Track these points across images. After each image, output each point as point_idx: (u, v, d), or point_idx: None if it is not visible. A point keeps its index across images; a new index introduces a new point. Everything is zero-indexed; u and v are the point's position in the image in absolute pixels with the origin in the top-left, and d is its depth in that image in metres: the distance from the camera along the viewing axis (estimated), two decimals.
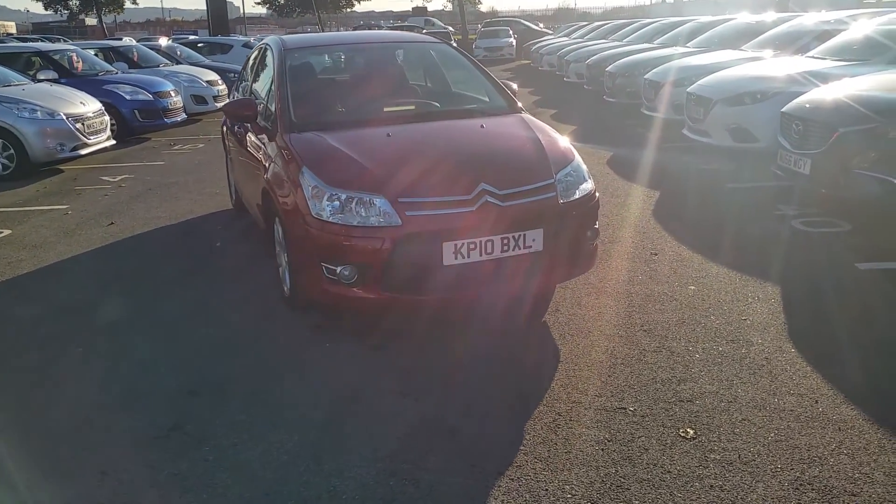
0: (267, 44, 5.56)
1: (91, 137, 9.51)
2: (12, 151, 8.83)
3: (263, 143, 4.62)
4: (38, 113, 8.92)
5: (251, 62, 6.08)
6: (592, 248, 4.16)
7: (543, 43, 25.11)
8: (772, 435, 2.90)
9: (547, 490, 2.62)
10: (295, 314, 4.26)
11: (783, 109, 6.25)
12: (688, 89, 8.67)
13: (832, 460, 2.73)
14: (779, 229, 5.62)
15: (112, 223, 6.67)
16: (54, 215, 7.07)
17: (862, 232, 5.41)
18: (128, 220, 6.80)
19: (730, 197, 6.67)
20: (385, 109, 4.83)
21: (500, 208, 3.71)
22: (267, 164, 4.44)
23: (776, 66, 8.36)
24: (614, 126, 11.34)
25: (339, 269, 3.68)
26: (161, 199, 7.68)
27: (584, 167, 4.22)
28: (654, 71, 10.79)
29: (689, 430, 2.96)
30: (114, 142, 10.25)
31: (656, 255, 5.13)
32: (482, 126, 4.45)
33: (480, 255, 3.67)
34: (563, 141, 4.37)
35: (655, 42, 14.94)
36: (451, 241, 3.60)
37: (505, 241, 3.70)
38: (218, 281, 5.00)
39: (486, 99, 5.10)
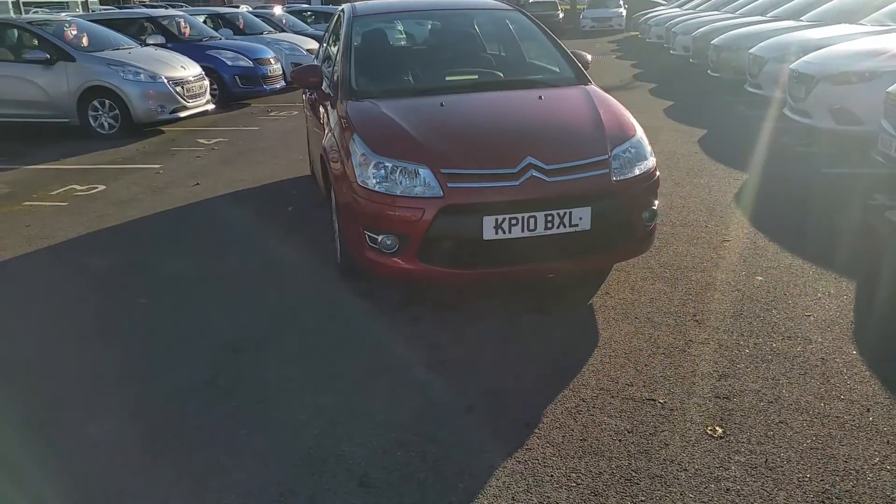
0: (342, 9, 5.59)
1: (190, 101, 9.94)
2: (117, 112, 9.35)
3: (327, 110, 4.67)
4: (142, 76, 9.39)
5: (329, 29, 6.14)
6: (649, 229, 3.98)
7: (652, 13, 24.07)
8: (808, 441, 2.70)
9: (552, 476, 2.55)
10: (344, 281, 4.31)
11: (888, 89, 5.73)
12: (790, 66, 8.09)
13: (870, 475, 2.51)
14: (870, 220, 5.18)
15: (197, 184, 6.96)
16: (147, 174, 7.46)
17: None
18: (212, 181, 7.08)
19: (824, 183, 6.21)
20: (447, 78, 4.77)
21: (546, 184, 3.60)
22: (327, 131, 4.48)
23: (892, 42, 7.65)
24: (714, 103, 10.78)
25: (380, 238, 3.69)
26: (248, 162, 7.95)
27: (647, 144, 4.02)
28: (759, 45, 10.13)
29: (718, 428, 2.79)
30: (213, 106, 10.68)
31: (728, 241, 4.85)
32: (540, 98, 4.31)
33: (522, 231, 3.57)
34: (626, 115, 4.16)
35: (769, 15, 14.01)
36: (492, 216, 3.52)
37: (549, 218, 3.58)
38: (281, 245, 5.13)
39: (555, 69, 4.94)
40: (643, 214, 3.89)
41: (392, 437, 2.79)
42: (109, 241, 5.33)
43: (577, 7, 41.51)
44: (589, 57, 5.21)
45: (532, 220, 3.57)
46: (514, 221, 3.55)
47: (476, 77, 4.83)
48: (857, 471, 2.53)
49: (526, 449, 2.71)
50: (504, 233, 3.56)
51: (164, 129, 10.13)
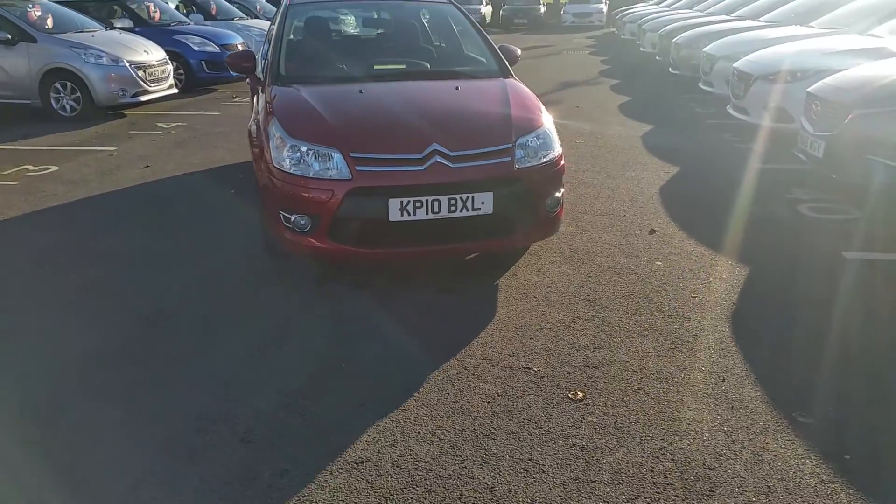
0: None
1: (153, 85, 10.07)
2: (79, 94, 9.46)
3: (257, 96, 4.87)
4: (104, 59, 9.51)
5: (274, 17, 6.32)
6: (552, 216, 4.21)
7: (628, 10, 24.33)
8: (660, 406, 2.95)
9: (419, 433, 2.78)
10: (268, 259, 4.51)
11: (808, 89, 6.01)
12: (734, 64, 8.37)
13: (707, 436, 2.76)
14: (782, 213, 5.47)
15: (147, 166, 7.13)
16: (101, 156, 7.61)
17: (868, 221, 5.19)
18: (163, 164, 7.24)
19: (750, 178, 6.47)
20: (375, 67, 4.98)
21: (450, 169, 3.82)
22: (253, 115, 4.68)
23: (827, 44, 7.95)
24: (669, 100, 11.05)
25: (293, 218, 3.89)
26: (201, 146, 8.11)
27: (553, 135, 4.25)
28: (713, 44, 10.41)
29: (579, 392, 3.04)
30: (175, 90, 10.81)
31: (640, 230, 5.11)
32: (457, 88, 4.54)
33: (427, 213, 3.79)
34: (536, 107, 4.39)
35: (733, 14, 14.30)
36: (397, 198, 3.74)
37: (452, 202, 3.80)
38: (216, 225, 5.32)
39: (481, 62, 5.17)
40: (546, 201, 4.12)
41: (279, 400, 3.02)
42: (52, 220, 5.50)
43: (561, 1, 41.72)
44: (518, 52, 5.45)
45: (436, 204, 3.79)
46: (418, 204, 3.77)
47: (403, 67, 5.04)
48: (696, 431, 2.79)
49: (402, 409, 2.94)
50: (409, 215, 3.78)
51: (126, 112, 10.24)
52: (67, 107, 9.56)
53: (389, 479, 2.53)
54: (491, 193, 3.85)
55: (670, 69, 12.96)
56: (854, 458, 2.61)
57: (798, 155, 6.08)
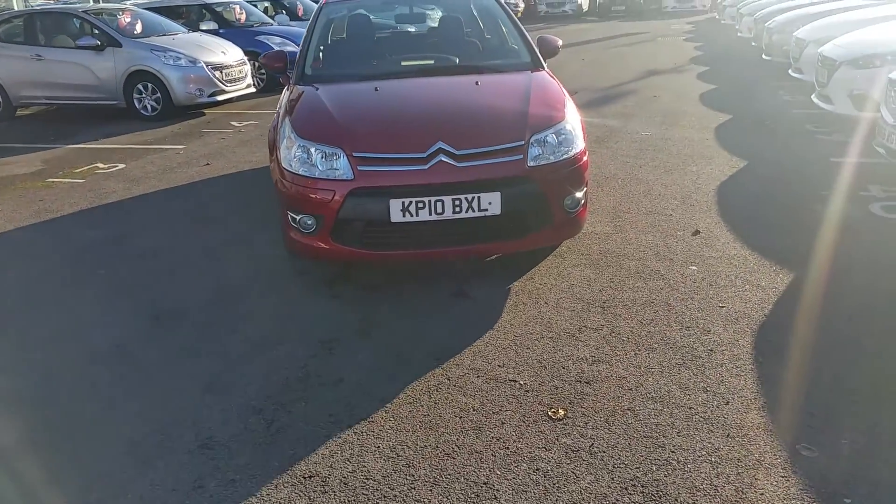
0: None
1: (229, 85, 10.38)
2: (159, 95, 9.88)
3: (285, 95, 4.86)
4: (182, 60, 9.88)
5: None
6: (572, 216, 3.97)
7: None
8: (645, 430, 2.69)
9: (378, 448, 2.66)
10: (290, 259, 4.48)
11: (890, 75, 5.42)
12: (819, 49, 7.70)
13: (689, 467, 2.49)
14: (850, 212, 4.95)
15: (207, 164, 7.33)
16: (168, 154, 7.89)
17: None
18: (223, 162, 7.43)
19: (823, 173, 5.92)
20: (403, 63, 4.87)
21: (455, 168, 3.66)
22: (277, 115, 4.67)
23: None
24: (756, 88, 10.34)
25: (299, 218, 3.85)
26: (263, 144, 8.18)
27: (576, 131, 4.00)
28: (804, 28, 9.64)
29: (561, 410, 2.83)
30: (253, 90, 11.11)
31: (683, 231, 4.75)
32: (477, 83, 4.36)
33: (430, 214, 3.65)
34: (558, 102, 4.14)
35: None
36: (398, 199, 3.62)
37: (457, 203, 3.64)
38: (252, 223, 5.36)
39: (513, 55, 4.95)
40: (563, 201, 3.89)
41: (252, 406, 2.97)
42: (102, 216, 5.73)
43: None
44: (559, 43, 5.17)
45: (439, 204, 3.64)
46: (420, 205, 3.63)
47: (432, 62, 4.90)
48: (678, 461, 2.52)
49: (369, 422, 2.82)
50: (411, 216, 3.65)
51: (206, 111, 10.61)
52: (149, 107, 9.99)
53: (332, 496, 2.42)
54: (499, 193, 3.66)
55: (763, 55, 12.14)
56: (855, 502, 2.27)
57: (877, 149, 5.50)
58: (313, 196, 3.77)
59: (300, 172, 3.82)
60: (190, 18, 12.86)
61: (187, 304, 3.97)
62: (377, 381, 3.10)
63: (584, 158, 4.01)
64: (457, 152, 3.68)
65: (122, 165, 7.41)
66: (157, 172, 7.06)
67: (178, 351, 3.46)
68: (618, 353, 3.25)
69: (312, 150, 3.82)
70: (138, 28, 10.65)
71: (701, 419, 2.74)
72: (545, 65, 4.78)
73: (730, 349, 3.23)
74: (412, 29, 5.51)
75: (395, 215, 3.64)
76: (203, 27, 12.19)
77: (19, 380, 3.26)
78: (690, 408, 2.81)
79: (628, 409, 2.82)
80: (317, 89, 4.36)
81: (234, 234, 5.12)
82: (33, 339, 3.65)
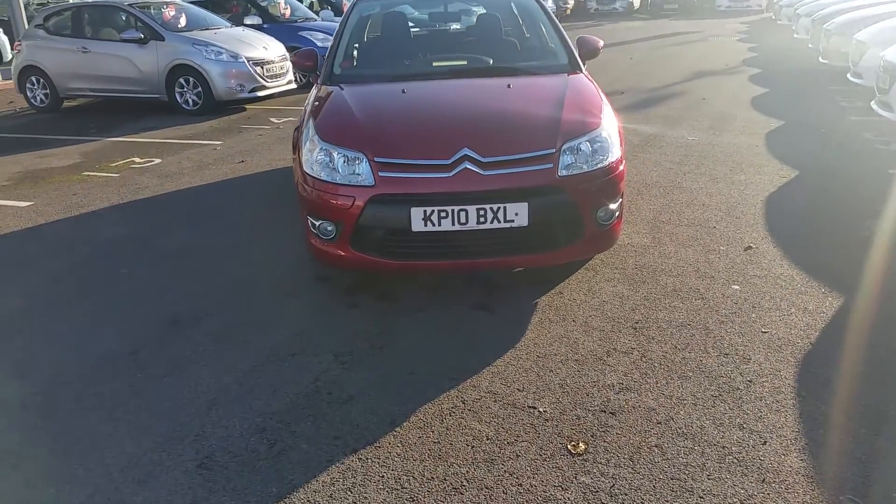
0: None
1: (270, 81, 10.35)
2: (200, 89, 9.89)
3: (312, 94, 4.73)
4: (224, 55, 9.88)
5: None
6: (605, 229, 3.75)
7: None
8: (673, 470, 2.47)
9: (382, 477, 2.50)
10: (312, 264, 4.35)
11: None
12: (881, 53, 7.27)
13: None
14: None
15: (242, 161, 7.27)
16: (205, 150, 7.87)
17: None
18: (258, 159, 7.36)
19: (882, 185, 5.55)
20: (434, 64, 4.70)
21: (481, 176, 3.48)
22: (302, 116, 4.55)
23: None
24: (811, 93, 9.89)
25: (318, 224, 3.72)
26: None
27: (612, 138, 3.78)
28: (865, 30, 9.16)
29: (581, 444, 2.62)
30: (295, 85, 11.05)
31: (727, 245, 4.48)
32: (509, 86, 4.16)
33: (453, 224, 3.47)
34: (594, 108, 3.91)
35: None
36: (420, 207, 3.45)
37: (481, 213, 3.46)
38: (279, 224, 5.25)
39: (550, 57, 4.73)
40: (596, 213, 3.67)
41: (256, 423, 2.83)
42: (132, 213, 5.69)
43: None
44: (600, 44, 4.95)
45: (463, 214, 3.46)
46: (443, 214, 3.46)
47: (465, 63, 4.72)
48: None
49: (376, 447, 2.66)
50: (433, 225, 3.48)
51: (247, 106, 10.60)
52: (190, 101, 10.02)
53: None
54: (526, 204, 3.46)
55: (820, 58, 11.62)
56: None
57: None
58: (333, 202, 3.62)
59: (321, 177, 3.68)
60: (235, 13, 12.88)
61: (205, 309, 3.87)
62: (388, 402, 2.94)
63: (621, 168, 3.78)
64: (483, 160, 3.49)
65: (158, 160, 7.40)
66: (191, 168, 7.03)
67: (191, 360, 3.35)
68: (648, 380, 3.02)
69: (335, 153, 3.68)
70: (182, 22, 10.68)
71: (734, 460, 2.51)
72: (583, 67, 4.55)
73: (770, 381, 2.98)
74: (448, 27, 5.32)
75: (417, 224, 3.47)
76: (247, 21, 12.19)
77: (26, 384, 3.19)
78: (724, 447, 2.58)
79: (655, 446, 2.60)
80: (342, 90, 4.21)
81: (260, 235, 5.02)
82: (44, 342, 3.59)
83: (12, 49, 12.40)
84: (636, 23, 26.60)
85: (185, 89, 9.98)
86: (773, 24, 21.93)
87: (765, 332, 3.38)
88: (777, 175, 5.97)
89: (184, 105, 10.04)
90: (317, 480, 2.49)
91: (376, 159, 3.55)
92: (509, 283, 4.02)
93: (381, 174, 3.53)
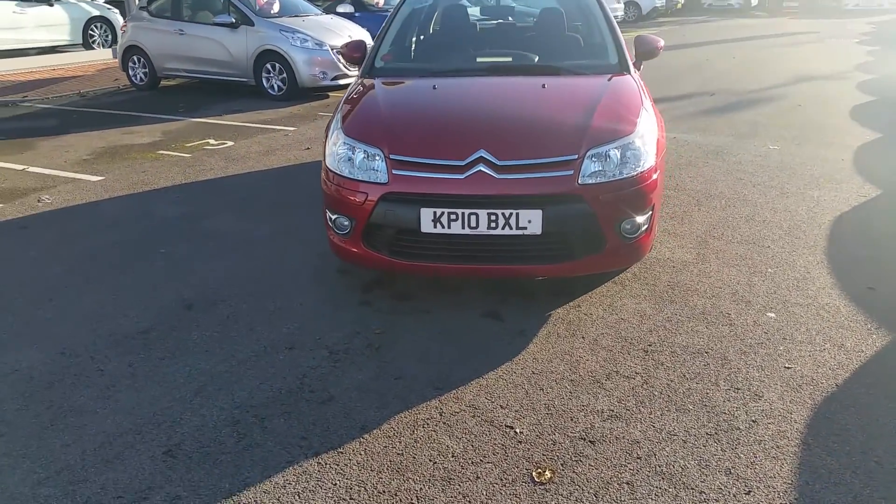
0: None
1: (353, 69, 10.45)
2: (285, 75, 10.13)
3: (351, 87, 4.72)
4: (309, 43, 10.07)
5: None
6: (630, 243, 3.54)
7: None
8: None
9: (335, 485, 2.45)
10: (335, 258, 4.34)
11: None
12: None
13: None
14: None
15: (308, 148, 7.39)
16: (277, 135, 8.05)
17: None
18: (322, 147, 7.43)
19: None
20: (478, 60, 4.57)
21: (494, 180, 3.36)
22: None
23: None
24: None
25: (335, 218, 3.70)
26: None
27: (647, 146, 3.56)
28: None
29: (548, 472, 2.48)
30: None
31: (775, 268, 4.15)
32: (543, 86, 3.99)
33: (463, 227, 3.37)
34: (631, 113, 3.69)
35: None
36: (430, 208, 3.37)
37: (492, 218, 3.34)
38: (320, 215, 5.26)
39: (599, 56, 4.52)
40: (621, 225, 3.47)
41: (233, 415, 2.84)
42: (190, 194, 5.88)
43: None
44: (660, 43, 4.69)
45: (473, 218, 3.36)
46: (453, 216, 3.37)
47: (510, 59, 4.57)
48: None
49: (339, 452, 2.62)
50: (443, 227, 3.39)
51: (331, 93, 10.77)
52: (275, 86, 10.28)
53: None
54: (540, 211, 3.31)
55: None
56: None
57: None
58: (349, 197, 3.60)
59: (339, 171, 3.66)
60: (330, 0, 13.13)
61: (224, 294, 3.94)
62: (366, 406, 2.89)
63: (653, 178, 3.56)
64: (498, 163, 3.37)
65: (230, 143, 7.63)
66: (258, 153, 7.20)
67: (194, 344, 3.41)
68: (642, 409, 2.83)
69: (356, 148, 3.64)
70: (275, 8, 10.96)
71: None
72: (633, 68, 4.31)
73: (777, 423, 2.72)
74: (509, 21, 5.15)
75: (426, 225, 3.39)
76: (339, 10, 12.40)
77: (35, 354, 3.34)
78: (701, 492, 2.38)
79: (626, 483, 2.42)
80: (375, 85, 4.17)
81: (301, 222, 5.07)
82: (65, 314, 3.74)
83: (120, 29, 13.11)
84: (750, 20, 25.29)
85: (272, 74, 10.24)
86: None
87: (788, 368, 3.10)
88: (856, 193, 5.49)
89: (269, 90, 10.31)
90: (270, 481, 2.47)
91: (391, 156, 3.49)
92: (528, 291, 3.87)
93: (394, 172, 3.46)
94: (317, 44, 10.10)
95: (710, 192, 5.59)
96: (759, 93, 10.08)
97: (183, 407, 2.91)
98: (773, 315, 3.59)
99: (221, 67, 10.57)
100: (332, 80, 10.24)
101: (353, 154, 3.63)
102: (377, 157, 3.54)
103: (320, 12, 11.59)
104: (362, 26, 11.40)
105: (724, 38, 18.20)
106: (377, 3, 13.47)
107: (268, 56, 10.16)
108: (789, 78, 11.36)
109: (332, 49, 10.14)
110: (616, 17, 23.17)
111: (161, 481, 2.48)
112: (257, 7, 10.67)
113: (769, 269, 4.13)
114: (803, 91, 10.18)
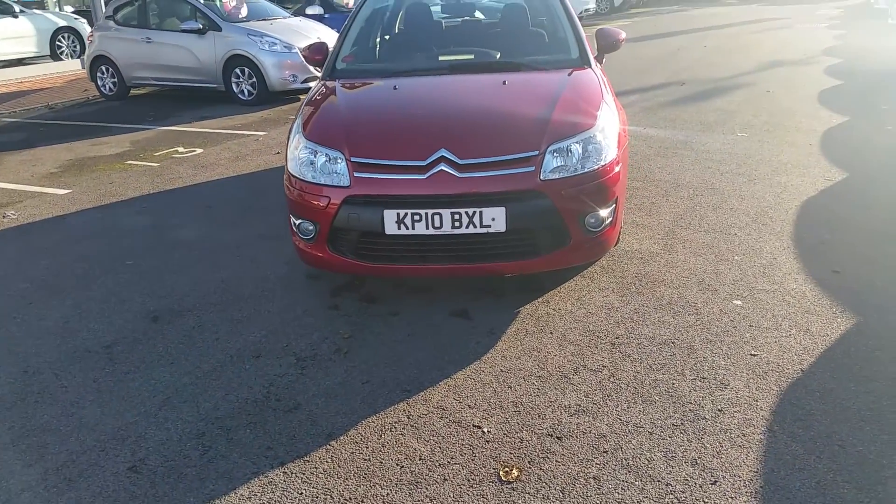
0: None
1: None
2: (255, 80, 10.06)
3: (312, 90, 4.69)
4: (277, 46, 10.00)
5: None
6: (595, 237, 3.55)
7: None
8: None
9: (300, 494, 2.43)
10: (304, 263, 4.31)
11: None
12: None
13: None
14: None
15: (279, 153, 7.33)
16: (247, 141, 7.99)
17: None
18: None
19: None
20: (440, 58, 4.55)
21: (456, 179, 3.35)
22: None
23: None
24: (891, 86, 9.16)
25: (299, 223, 3.68)
26: None
27: (607, 139, 3.56)
28: None
29: (516, 470, 2.47)
30: None
31: (742, 255, 4.18)
32: (504, 83, 3.98)
33: (427, 227, 3.36)
34: (591, 107, 3.69)
35: None
36: (393, 210, 3.35)
37: (456, 217, 3.33)
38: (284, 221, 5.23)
39: (561, 51, 4.51)
40: (585, 219, 3.47)
41: (198, 428, 2.81)
42: (157, 204, 5.82)
43: None
44: (622, 36, 4.69)
45: (437, 218, 3.34)
46: (417, 217, 3.35)
47: (472, 57, 4.55)
48: None
49: (305, 460, 2.60)
50: (407, 228, 3.37)
51: (302, 96, 10.70)
52: (246, 91, 10.21)
53: None
54: (503, 209, 3.31)
55: None
56: None
57: None
58: (312, 202, 3.57)
59: (301, 175, 3.64)
60: (298, 2, 13.04)
61: (191, 304, 3.90)
62: (333, 412, 2.87)
63: (615, 171, 3.56)
64: (459, 161, 3.36)
65: (199, 150, 7.56)
66: (228, 159, 7.14)
67: (159, 357, 3.37)
68: (608, 403, 2.83)
69: (317, 151, 3.61)
70: (243, 12, 10.89)
71: (675, 500, 2.31)
72: (593, 62, 4.32)
73: (743, 411, 2.74)
74: (459, 20, 5.14)
75: (390, 227, 3.37)
76: (309, 12, 12.33)
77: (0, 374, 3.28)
78: (668, 484, 2.38)
79: (593, 478, 2.42)
80: (335, 87, 4.14)
81: (269, 228, 5.03)
82: (29, 331, 3.69)
83: (87, 39, 12.95)
84: (723, 8, 25.45)
85: (241, 79, 10.16)
86: (871, 8, 20.48)
87: (754, 356, 3.12)
88: (822, 178, 5.53)
89: (239, 95, 10.24)
90: (235, 493, 2.45)
91: (353, 159, 3.47)
92: (498, 288, 3.87)
93: (356, 174, 3.44)
94: (285, 47, 10.04)
95: (678, 182, 5.61)
96: (729, 80, 10.15)
97: (147, 421, 2.87)
98: (739, 303, 3.61)
99: (191, 74, 10.49)
100: (303, 82, 10.18)
101: (315, 158, 3.60)
102: (339, 161, 3.52)
103: (289, 15, 11.52)
104: (332, 28, 11.33)
105: (696, 27, 18.32)
106: (346, 4, 13.40)
107: (237, 61, 10.09)
108: (759, 64, 11.45)
109: (301, 51, 10.06)
110: (589, 9, 23.22)
111: (125, 498, 2.44)
112: (224, 12, 10.60)
113: (736, 257, 4.15)
114: (774, 76, 10.26)
